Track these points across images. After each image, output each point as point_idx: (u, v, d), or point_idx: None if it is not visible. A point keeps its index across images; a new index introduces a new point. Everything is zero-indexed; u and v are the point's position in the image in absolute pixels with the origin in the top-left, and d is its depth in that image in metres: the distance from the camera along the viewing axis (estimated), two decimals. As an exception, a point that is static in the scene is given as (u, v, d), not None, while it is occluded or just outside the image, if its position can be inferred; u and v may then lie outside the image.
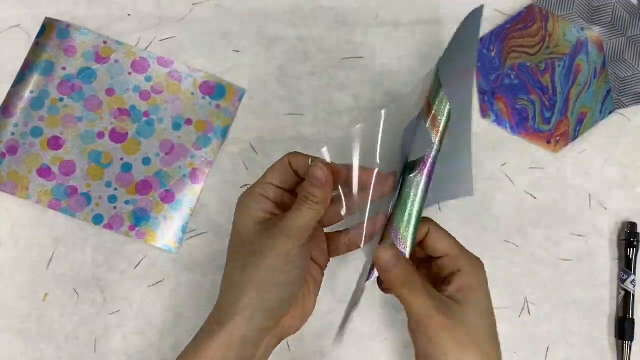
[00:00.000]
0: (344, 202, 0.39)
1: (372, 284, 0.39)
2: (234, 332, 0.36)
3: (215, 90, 0.54)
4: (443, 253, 0.39)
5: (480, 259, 0.40)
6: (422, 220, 0.39)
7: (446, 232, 0.40)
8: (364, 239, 0.38)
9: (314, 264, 0.41)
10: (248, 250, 0.36)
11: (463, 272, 0.37)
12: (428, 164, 0.39)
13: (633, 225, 0.54)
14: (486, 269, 0.40)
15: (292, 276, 0.36)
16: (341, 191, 0.39)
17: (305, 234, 0.36)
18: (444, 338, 0.34)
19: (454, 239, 0.39)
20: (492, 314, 0.37)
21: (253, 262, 0.35)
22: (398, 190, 0.39)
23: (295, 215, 0.35)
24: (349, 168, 0.38)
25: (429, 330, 0.34)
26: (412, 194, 0.39)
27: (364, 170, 0.38)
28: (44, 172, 0.52)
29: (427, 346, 0.35)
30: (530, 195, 0.55)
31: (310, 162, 0.37)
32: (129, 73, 0.54)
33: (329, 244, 0.42)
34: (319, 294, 0.43)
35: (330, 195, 0.37)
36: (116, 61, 0.54)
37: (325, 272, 0.43)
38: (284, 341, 0.51)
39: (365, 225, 0.38)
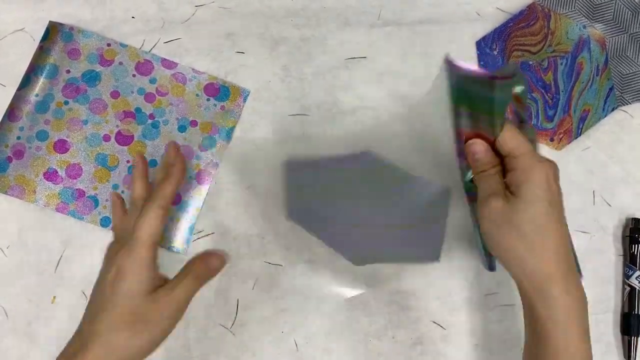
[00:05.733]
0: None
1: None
2: None
3: (219, 91, 0.54)
4: (509, 151, 0.42)
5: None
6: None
7: (520, 134, 0.42)
8: None
9: None
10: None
11: (515, 170, 0.41)
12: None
13: (637, 221, 0.54)
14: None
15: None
16: None
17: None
18: (494, 215, 0.41)
19: (525, 142, 0.41)
20: (543, 213, 0.40)
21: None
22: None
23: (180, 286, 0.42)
24: None
25: (484, 209, 0.41)
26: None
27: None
28: (51, 175, 0.52)
29: (483, 220, 0.42)
30: (535, 192, 0.55)
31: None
32: (133, 75, 0.54)
33: None
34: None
35: None
36: (120, 63, 0.54)
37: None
38: (292, 340, 0.52)
39: None
